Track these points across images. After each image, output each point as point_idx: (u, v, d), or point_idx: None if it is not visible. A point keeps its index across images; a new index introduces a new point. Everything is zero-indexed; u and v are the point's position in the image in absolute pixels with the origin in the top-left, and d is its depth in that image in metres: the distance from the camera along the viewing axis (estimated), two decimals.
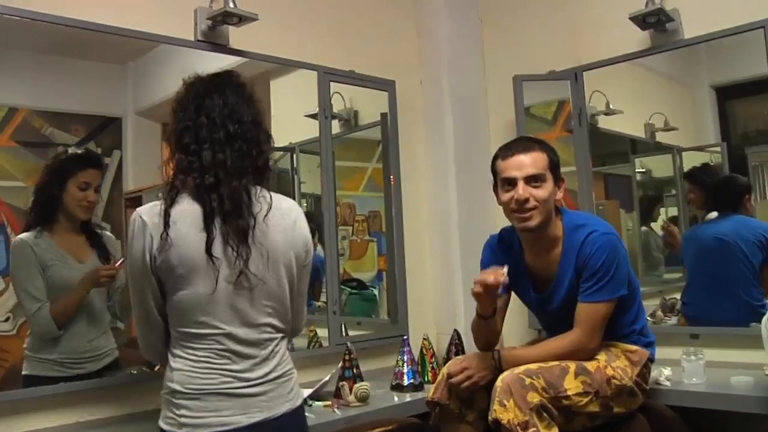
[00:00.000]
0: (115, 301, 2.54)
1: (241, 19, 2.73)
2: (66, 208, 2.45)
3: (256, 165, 1.80)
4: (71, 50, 2.55)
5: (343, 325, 3.19)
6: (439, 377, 2.40)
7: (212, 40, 2.80)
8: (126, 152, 2.66)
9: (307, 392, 2.52)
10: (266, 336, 1.79)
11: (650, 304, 3.07)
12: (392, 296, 3.37)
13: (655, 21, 2.92)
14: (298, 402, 1.83)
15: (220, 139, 1.76)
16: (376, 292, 3.43)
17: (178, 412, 1.70)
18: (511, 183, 2.31)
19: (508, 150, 2.36)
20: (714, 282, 2.95)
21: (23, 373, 2.33)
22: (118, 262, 2.44)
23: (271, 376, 1.77)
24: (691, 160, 3.13)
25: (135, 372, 2.52)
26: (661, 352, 2.58)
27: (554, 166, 2.35)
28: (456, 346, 3.03)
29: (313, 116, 3.15)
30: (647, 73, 3.22)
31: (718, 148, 3.01)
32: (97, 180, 2.50)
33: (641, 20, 2.93)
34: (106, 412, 2.43)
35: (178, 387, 1.71)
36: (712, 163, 3.04)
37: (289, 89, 3.17)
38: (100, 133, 2.62)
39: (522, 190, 2.28)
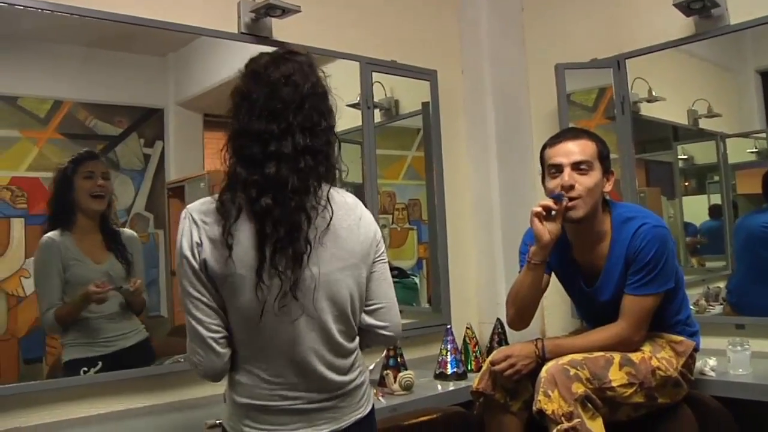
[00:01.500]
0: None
1: (284, 12, 2.74)
2: (80, 205, 2.46)
3: (320, 174, 1.58)
4: (114, 43, 2.58)
5: None
6: (484, 367, 2.39)
7: (255, 33, 2.81)
8: (168, 143, 2.69)
9: None
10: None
11: (693, 293, 3.03)
12: (434, 285, 3.37)
13: (700, 7, 2.87)
14: (367, 410, 1.71)
15: (288, 155, 1.53)
16: (417, 280, 3.43)
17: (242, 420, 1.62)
18: (558, 169, 2.28)
19: (556, 138, 2.35)
20: (760, 270, 2.90)
21: (63, 360, 2.39)
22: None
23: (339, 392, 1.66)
24: (734, 147, 3.07)
25: (171, 362, 2.55)
26: (706, 342, 2.54)
27: (603, 156, 2.31)
28: (499, 335, 3.03)
29: (354, 106, 3.14)
30: (690, 59, 3.16)
31: (764, 135, 2.96)
32: (99, 168, 2.50)
33: (686, 6, 2.88)
34: (147, 401, 2.47)
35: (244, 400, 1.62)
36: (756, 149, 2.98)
37: (330, 79, 3.15)
38: (143, 124, 2.66)
39: (568, 176, 2.25)
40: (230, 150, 1.58)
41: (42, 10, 2.33)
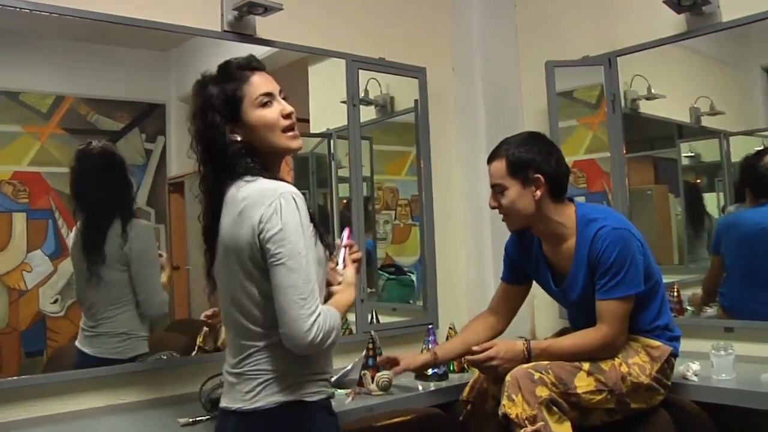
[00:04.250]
0: None
1: (267, 9, 2.71)
2: None
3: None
4: (115, 38, 2.59)
5: (374, 312, 3.19)
6: (474, 376, 2.40)
7: (239, 31, 2.78)
8: (169, 138, 2.70)
9: None
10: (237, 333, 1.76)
11: (691, 293, 3.05)
12: (424, 284, 3.35)
13: (690, 4, 2.81)
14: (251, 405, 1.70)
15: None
16: (413, 277, 3.41)
17: None
18: None
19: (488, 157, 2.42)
20: (754, 273, 2.85)
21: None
22: None
23: (235, 370, 1.74)
24: (738, 145, 3.03)
25: (153, 359, 2.57)
26: (693, 345, 2.54)
27: (517, 169, 2.30)
28: None
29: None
30: (693, 56, 3.12)
31: (767, 132, 2.91)
32: None
33: (676, 3, 2.83)
34: (127, 398, 2.48)
35: None
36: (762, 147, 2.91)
37: (325, 76, 3.16)
38: (144, 120, 2.67)
39: (491, 199, 2.38)
40: None
41: (19, 8, 2.32)
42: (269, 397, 1.69)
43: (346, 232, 2.02)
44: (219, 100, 1.75)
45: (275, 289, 1.63)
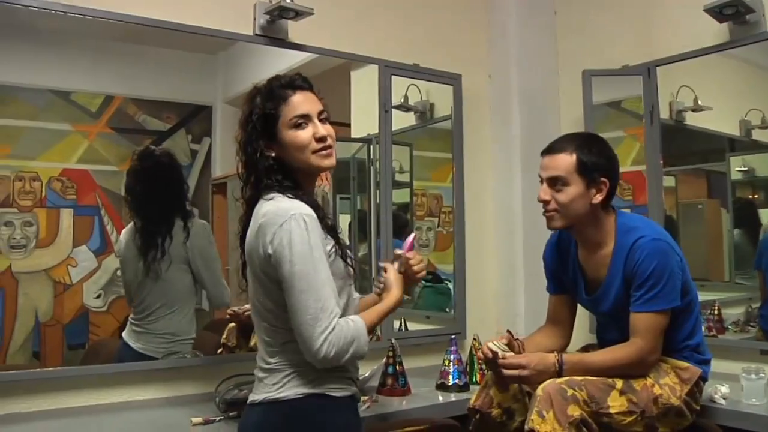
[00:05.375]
0: None
1: (298, 14, 2.73)
2: None
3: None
4: (164, 40, 2.64)
5: (402, 319, 3.18)
6: (483, 383, 2.34)
7: (271, 35, 2.81)
8: (215, 140, 2.75)
9: None
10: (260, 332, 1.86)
11: (734, 312, 2.96)
12: (455, 293, 3.32)
13: (733, 12, 2.74)
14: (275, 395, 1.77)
15: None
16: (450, 285, 3.36)
17: None
18: (541, 181, 2.29)
19: (544, 149, 2.33)
20: None
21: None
22: None
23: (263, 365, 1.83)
24: None
25: (177, 357, 2.61)
26: (725, 366, 2.47)
27: (586, 168, 2.22)
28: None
29: (398, 108, 3.18)
30: (743, 66, 3.02)
31: None
32: None
33: (718, 12, 2.75)
34: (146, 394, 2.53)
35: None
36: None
37: (367, 81, 3.15)
38: (191, 121, 2.71)
39: (542, 192, 2.27)
40: None
41: (61, 12, 2.40)
42: (294, 388, 1.76)
43: (409, 239, 2.06)
44: (258, 116, 1.82)
45: (289, 309, 1.70)
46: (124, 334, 2.54)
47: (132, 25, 2.52)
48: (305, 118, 1.82)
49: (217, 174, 2.77)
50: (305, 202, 1.77)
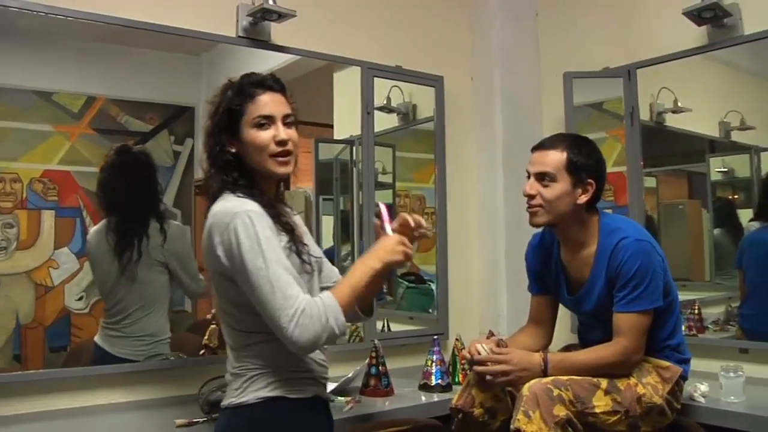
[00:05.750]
0: None
1: (281, 16, 2.73)
2: None
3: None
4: (147, 41, 2.62)
5: (385, 320, 3.19)
6: (465, 383, 2.34)
7: (254, 37, 2.81)
8: (198, 141, 2.71)
9: (331, 387, 2.50)
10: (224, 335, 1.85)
11: (716, 312, 2.99)
12: (438, 294, 3.33)
13: (711, 16, 2.77)
14: (237, 400, 1.76)
15: None
16: (433, 286, 3.36)
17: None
18: (528, 177, 2.31)
19: (534, 146, 2.35)
20: None
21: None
22: None
23: (229, 369, 1.82)
24: None
25: (162, 359, 2.61)
26: (704, 365, 2.50)
27: (575, 167, 2.24)
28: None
29: (380, 109, 3.19)
30: (723, 69, 3.04)
31: None
32: None
33: (696, 16, 2.78)
34: (131, 396, 2.52)
35: None
36: None
37: (350, 83, 3.15)
38: (174, 122, 2.70)
39: (529, 186, 2.28)
40: None
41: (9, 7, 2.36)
42: (253, 393, 1.74)
43: (383, 209, 1.95)
44: (224, 110, 1.80)
45: (255, 305, 1.69)
46: (96, 338, 2.52)
47: (115, 26, 2.51)
48: (269, 120, 1.79)
49: (200, 175, 2.72)
50: (256, 201, 1.75)
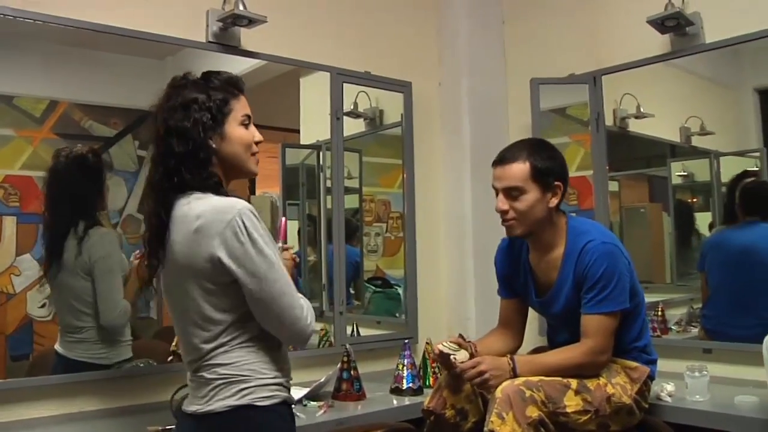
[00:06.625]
0: None
1: (251, 21, 2.71)
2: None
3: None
4: (111, 45, 2.58)
5: (354, 325, 3.17)
6: (436, 385, 2.35)
7: (223, 42, 2.79)
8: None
9: (303, 392, 2.54)
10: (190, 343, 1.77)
11: (678, 313, 3.05)
12: (406, 298, 3.33)
13: (674, 25, 2.82)
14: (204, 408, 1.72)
15: None
16: (400, 290, 3.37)
17: None
18: (496, 192, 2.31)
19: (495, 159, 2.33)
20: (736, 295, 2.84)
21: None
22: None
23: (192, 375, 1.77)
24: (729, 166, 3.00)
25: (131, 366, 2.56)
26: (670, 366, 2.54)
27: (541, 174, 2.25)
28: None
29: (347, 114, 3.18)
30: (684, 76, 3.10)
31: (758, 154, 2.87)
32: None
33: (660, 24, 2.83)
34: (101, 404, 2.47)
35: None
36: (757, 168, 2.88)
37: (316, 88, 3.14)
38: (138, 127, 2.66)
39: (500, 202, 2.28)
40: None
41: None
42: (221, 401, 1.70)
43: (282, 222, 2.07)
44: (209, 104, 1.74)
45: (262, 302, 1.67)
46: (56, 345, 2.47)
47: (80, 30, 2.47)
48: (249, 120, 1.82)
49: None
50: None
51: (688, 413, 2.38)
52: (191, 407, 1.75)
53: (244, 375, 1.72)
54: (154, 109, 1.80)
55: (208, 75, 1.82)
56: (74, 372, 2.45)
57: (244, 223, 1.65)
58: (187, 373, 1.81)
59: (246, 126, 1.81)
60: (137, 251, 2.57)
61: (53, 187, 2.48)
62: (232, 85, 1.82)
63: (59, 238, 2.47)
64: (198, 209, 1.68)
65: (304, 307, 1.72)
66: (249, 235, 1.65)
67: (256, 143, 1.83)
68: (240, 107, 1.81)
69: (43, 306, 2.44)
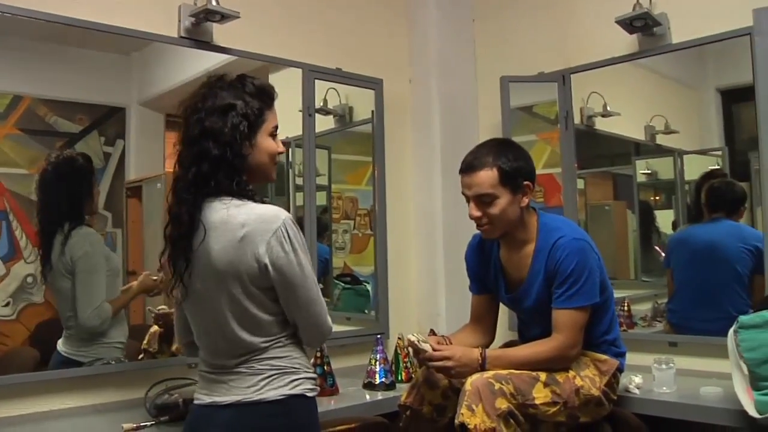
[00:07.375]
0: None
1: (224, 17, 2.69)
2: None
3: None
4: (76, 40, 2.55)
5: None
6: (413, 380, 2.38)
7: (196, 37, 2.75)
8: (129, 142, 2.67)
9: None
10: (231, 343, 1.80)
11: (642, 308, 3.10)
12: (377, 294, 3.33)
13: (641, 25, 2.86)
14: (256, 397, 1.76)
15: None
16: (369, 287, 3.38)
17: None
18: (467, 199, 2.32)
19: (462, 164, 2.33)
20: (701, 290, 2.91)
21: None
22: None
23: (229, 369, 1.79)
24: (692, 164, 3.07)
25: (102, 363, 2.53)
26: (637, 359, 2.57)
27: (509, 177, 2.25)
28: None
29: (318, 111, 3.16)
30: (650, 75, 3.15)
31: (720, 152, 2.96)
32: None
33: (628, 24, 2.86)
34: (71, 402, 2.45)
35: None
36: (718, 167, 2.96)
37: (285, 84, 3.09)
38: (104, 123, 2.63)
39: (472, 209, 2.29)
40: None
41: None
42: (274, 390, 1.75)
43: None
44: (247, 110, 1.77)
45: (295, 307, 1.78)
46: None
47: (45, 23, 2.42)
48: (277, 131, 1.87)
49: (131, 177, 2.70)
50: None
51: (656, 404, 2.44)
52: (228, 398, 1.76)
53: (295, 367, 1.80)
54: (185, 107, 1.79)
55: (243, 79, 1.83)
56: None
57: (288, 232, 1.72)
58: (205, 368, 1.84)
59: (274, 137, 1.85)
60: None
61: (44, 190, 2.48)
62: (267, 95, 1.85)
63: (49, 239, 2.47)
64: (241, 217, 1.71)
65: (327, 312, 1.82)
66: (292, 244, 1.72)
67: (280, 153, 1.87)
68: (272, 118, 1.84)
69: (6, 305, 2.40)
